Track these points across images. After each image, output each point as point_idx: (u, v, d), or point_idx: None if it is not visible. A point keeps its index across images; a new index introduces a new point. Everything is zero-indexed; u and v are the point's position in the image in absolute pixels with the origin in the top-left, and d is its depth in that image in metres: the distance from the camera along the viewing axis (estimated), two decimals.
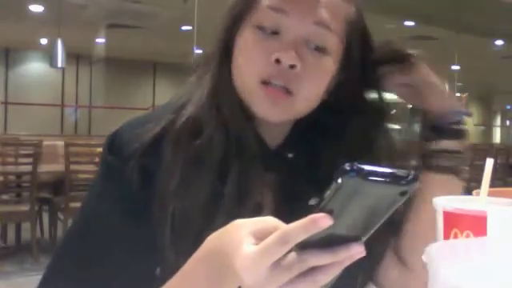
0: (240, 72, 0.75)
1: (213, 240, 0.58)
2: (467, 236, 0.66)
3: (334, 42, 0.74)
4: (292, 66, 0.71)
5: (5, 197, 4.98)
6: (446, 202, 0.73)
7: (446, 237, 0.71)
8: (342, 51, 0.76)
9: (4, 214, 4.58)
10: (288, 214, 0.74)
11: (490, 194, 0.74)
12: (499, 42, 10.88)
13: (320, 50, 0.74)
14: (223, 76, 0.76)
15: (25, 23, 9.57)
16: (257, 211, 0.74)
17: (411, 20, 8.99)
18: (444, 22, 8.70)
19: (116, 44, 11.01)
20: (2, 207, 4.62)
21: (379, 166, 0.46)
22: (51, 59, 8.11)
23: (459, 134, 0.81)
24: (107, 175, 0.78)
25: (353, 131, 0.79)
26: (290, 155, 0.79)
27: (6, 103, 12.17)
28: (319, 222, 0.47)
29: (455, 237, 0.69)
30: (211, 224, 0.68)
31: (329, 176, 0.79)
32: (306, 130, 0.79)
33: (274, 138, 0.79)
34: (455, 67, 10.92)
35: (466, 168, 0.81)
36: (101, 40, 11.25)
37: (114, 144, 0.77)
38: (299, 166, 0.79)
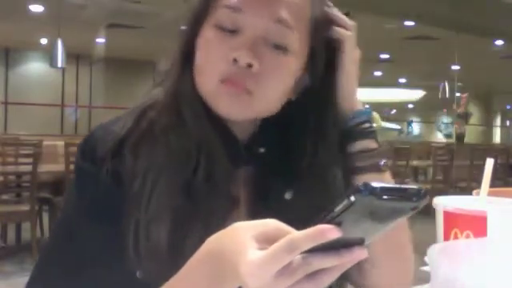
0: (200, 72, 0.75)
1: (212, 242, 0.58)
2: (467, 236, 0.66)
3: (295, 41, 0.74)
4: (249, 65, 0.72)
5: (5, 197, 4.97)
6: (447, 201, 0.73)
7: (447, 237, 0.72)
8: (307, 52, 0.77)
9: (4, 214, 4.58)
10: (263, 207, 0.75)
11: (489, 194, 0.74)
12: (499, 42, 10.87)
13: (280, 48, 0.73)
14: (185, 78, 0.76)
15: (25, 23, 9.57)
16: (232, 207, 0.74)
17: (411, 20, 9.00)
18: (444, 22, 8.70)
19: (116, 44, 11.02)
20: (2, 207, 4.61)
21: (386, 183, 0.47)
22: (51, 59, 8.11)
23: (369, 134, 0.82)
24: (82, 179, 0.78)
25: (320, 125, 0.80)
26: (262, 150, 0.79)
27: (6, 103, 12.18)
28: (327, 234, 0.47)
29: (455, 236, 0.69)
30: (185, 228, 0.69)
31: (299, 168, 0.79)
32: (275, 123, 0.80)
33: (243, 133, 0.79)
34: (455, 67, 10.92)
35: (383, 162, 0.82)
36: (101, 40, 11.25)
37: (85, 149, 0.77)
38: (270, 160, 0.79)
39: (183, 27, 0.78)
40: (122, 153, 0.74)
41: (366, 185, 0.45)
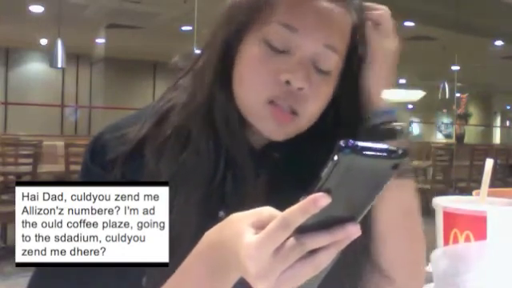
0: (245, 89, 0.73)
1: (211, 234, 0.59)
2: (467, 236, 0.67)
3: (337, 64, 0.75)
4: (300, 89, 0.71)
5: (5, 197, 4.98)
6: (446, 202, 0.73)
7: (446, 237, 0.72)
8: (341, 69, 0.76)
9: (4, 214, 4.58)
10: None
11: (489, 194, 0.74)
12: (499, 42, 10.88)
13: (323, 72, 0.73)
14: (221, 87, 0.75)
15: (25, 23, 9.57)
16: None
17: (411, 20, 9.00)
18: (444, 22, 8.70)
19: (116, 44, 11.01)
20: (2, 207, 4.62)
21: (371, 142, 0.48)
22: (51, 59, 8.10)
23: (395, 134, 0.78)
24: (89, 180, 0.76)
25: (337, 129, 0.78)
26: (277, 155, 0.79)
27: (6, 103, 12.17)
28: (318, 202, 0.48)
29: (455, 237, 0.70)
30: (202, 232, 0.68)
31: (314, 173, 0.79)
32: None
33: (259, 140, 0.78)
34: (455, 67, 10.92)
35: (409, 167, 0.80)
36: (101, 40, 11.25)
37: (95, 150, 0.76)
38: (285, 165, 0.79)
39: (220, 33, 0.75)
40: (137, 156, 0.73)
41: (347, 141, 0.46)
